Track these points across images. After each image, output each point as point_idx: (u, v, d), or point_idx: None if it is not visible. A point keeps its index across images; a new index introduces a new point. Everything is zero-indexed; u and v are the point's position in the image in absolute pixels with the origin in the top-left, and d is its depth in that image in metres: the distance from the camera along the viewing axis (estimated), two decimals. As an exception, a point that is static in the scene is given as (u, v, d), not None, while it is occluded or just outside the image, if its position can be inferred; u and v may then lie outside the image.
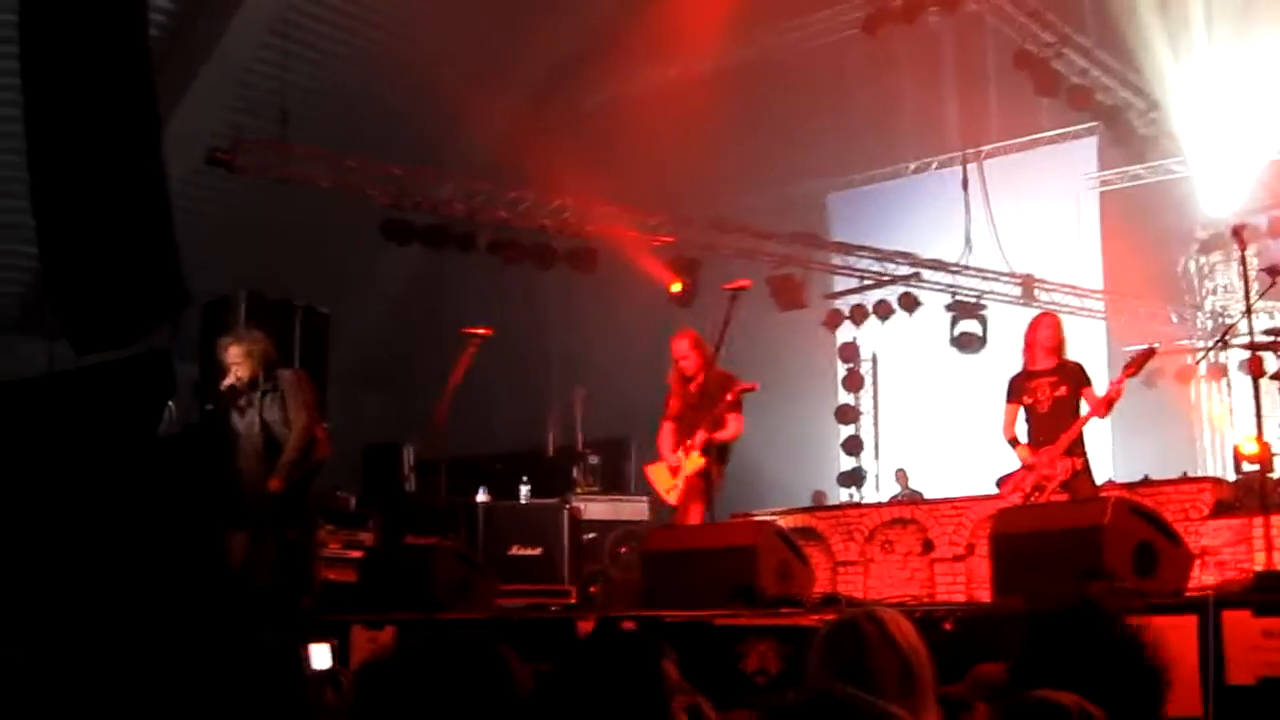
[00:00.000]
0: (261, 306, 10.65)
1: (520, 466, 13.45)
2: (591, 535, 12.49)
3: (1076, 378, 8.50)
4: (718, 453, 9.01)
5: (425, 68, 15.06)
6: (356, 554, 10.61)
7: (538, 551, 11.89)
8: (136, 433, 6.41)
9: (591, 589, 11.83)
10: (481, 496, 12.63)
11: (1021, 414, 8.62)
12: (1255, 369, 8.25)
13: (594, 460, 13.61)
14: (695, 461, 8.90)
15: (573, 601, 11.31)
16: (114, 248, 6.45)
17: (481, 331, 9.61)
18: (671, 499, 9.12)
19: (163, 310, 6.50)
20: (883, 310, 16.46)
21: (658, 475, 9.30)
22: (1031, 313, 15.95)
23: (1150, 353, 8.72)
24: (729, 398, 8.97)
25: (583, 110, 17.73)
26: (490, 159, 15.95)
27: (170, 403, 7.29)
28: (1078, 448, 8.32)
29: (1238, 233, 8.45)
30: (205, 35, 15.55)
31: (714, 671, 6.65)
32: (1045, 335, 8.70)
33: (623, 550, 12.40)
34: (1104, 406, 8.33)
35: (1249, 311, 7.87)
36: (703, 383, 9.13)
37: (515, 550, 11.84)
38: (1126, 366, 8.45)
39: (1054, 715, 2.75)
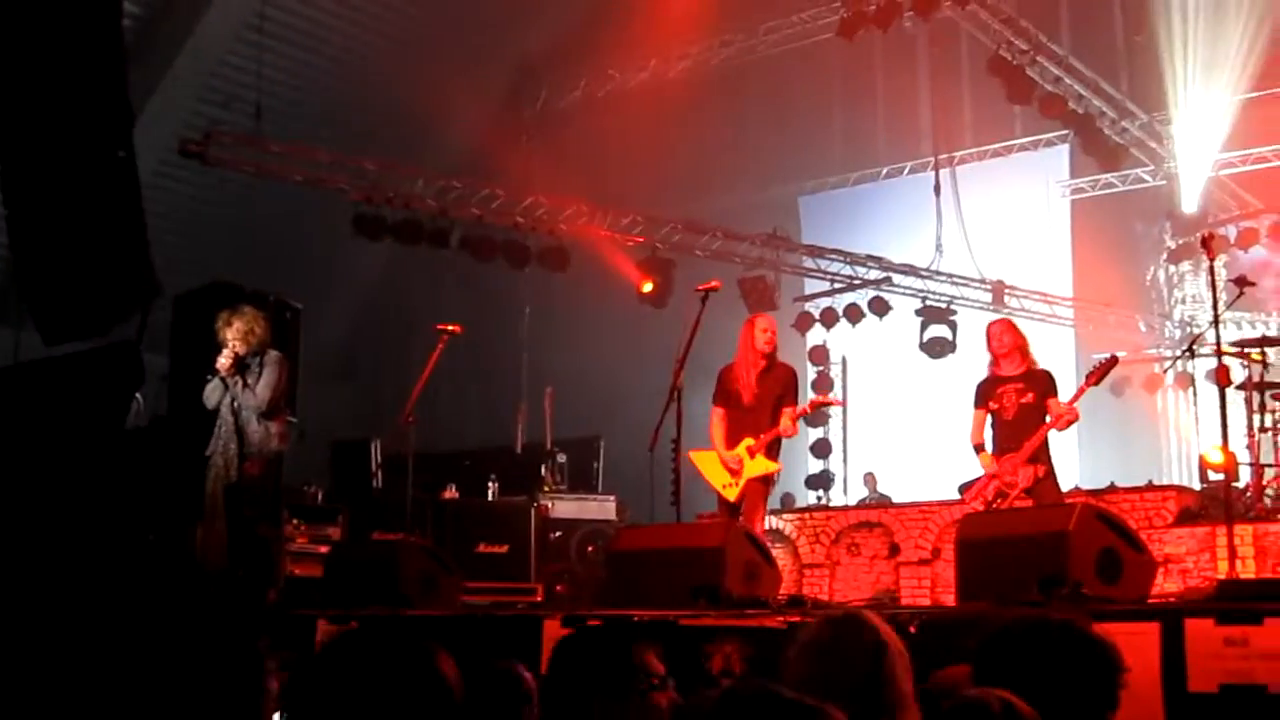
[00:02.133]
0: (233, 299, 10.61)
1: (488, 464, 13.45)
2: (558, 534, 12.50)
3: (1043, 385, 8.54)
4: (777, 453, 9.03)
5: (400, 64, 15.06)
6: (323, 549, 10.59)
7: (505, 549, 11.87)
8: (103, 425, 6.38)
9: (558, 587, 11.84)
10: (449, 493, 12.62)
11: (989, 420, 8.66)
12: (1222, 379, 8.32)
13: (562, 459, 13.60)
14: (767, 466, 8.85)
15: (539, 600, 11.32)
16: (84, 238, 6.43)
17: (451, 328, 9.61)
18: (730, 496, 8.95)
19: (133, 302, 6.47)
20: (853, 314, 16.49)
21: (708, 465, 9.06)
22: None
23: (1113, 362, 8.76)
24: (808, 409, 9.21)
25: (557, 109, 17.73)
26: (464, 156, 15.96)
27: (138, 395, 7.27)
28: (1042, 455, 8.35)
29: (1206, 242, 8.51)
30: (179, 27, 15.50)
31: (679, 672, 6.66)
32: (998, 341, 8.74)
33: (590, 549, 12.42)
34: (1061, 424, 8.37)
35: (1216, 321, 7.92)
36: (765, 372, 9.03)
37: (482, 548, 11.83)
38: (1089, 375, 8.51)
39: (978, 715, 2.77)
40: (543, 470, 13.37)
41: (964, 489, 8.59)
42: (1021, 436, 8.35)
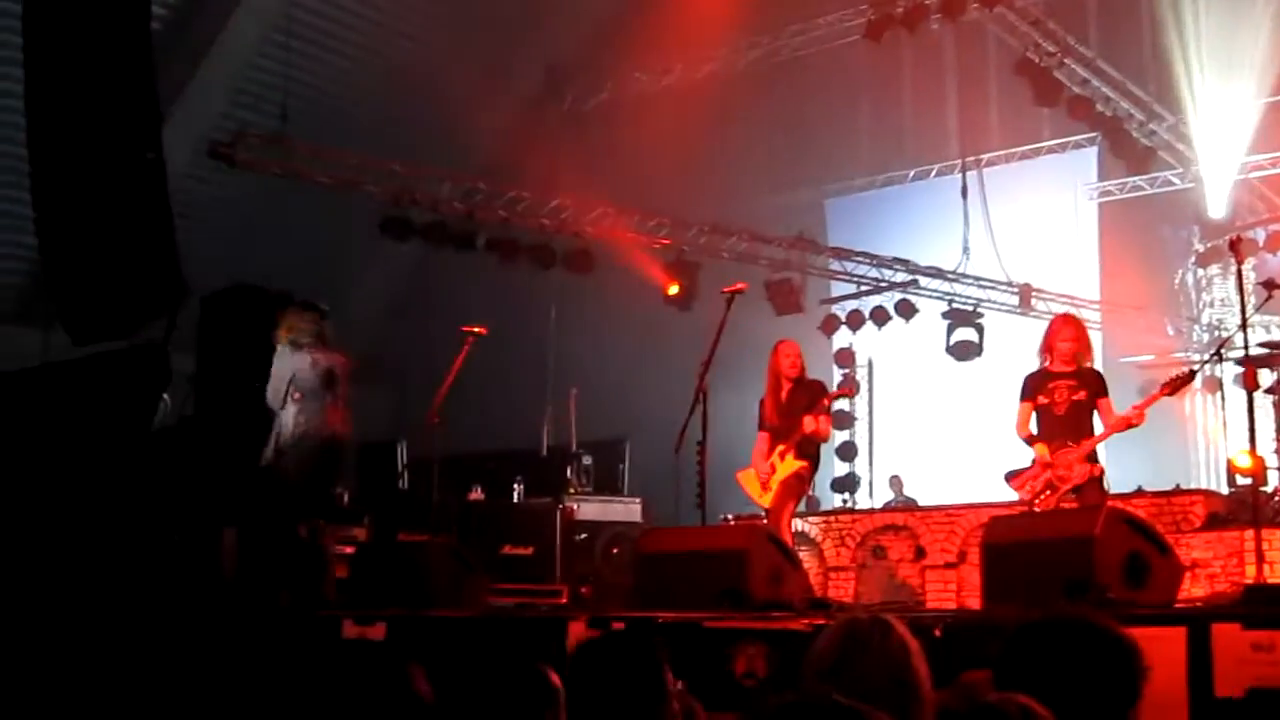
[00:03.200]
0: (260, 301, 10.63)
1: (514, 466, 13.45)
2: (583, 535, 12.49)
3: (1095, 385, 8.51)
4: (811, 452, 9.41)
5: (427, 66, 15.09)
6: (349, 550, 10.61)
7: (529, 551, 11.89)
8: (130, 425, 6.43)
9: (583, 589, 11.84)
10: (475, 495, 12.64)
11: (1035, 415, 8.62)
12: (1250, 383, 8.27)
13: (587, 461, 13.59)
14: (791, 465, 9.22)
15: (564, 602, 11.32)
16: (113, 240, 6.47)
17: (477, 330, 9.64)
18: (766, 504, 9.37)
19: (160, 303, 6.51)
20: (879, 316, 16.45)
21: (750, 483, 9.53)
22: (1028, 322, 16.07)
23: (1190, 376, 8.71)
24: (825, 401, 9.41)
25: (583, 111, 17.74)
26: (490, 158, 15.98)
27: (165, 396, 7.29)
28: (1095, 455, 8.35)
29: (1235, 246, 8.46)
30: (207, 30, 15.57)
31: (703, 674, 6.66)
32: (1068, 338, 8.72)
33: (614, 551, 12.40)
34: (1124, 425, 8.34)
35: (1244, 325, 7.88)
36: (792, 390, 9.48)
37: (507, 549, 11.85)
38: (1164, 385, 8.47)
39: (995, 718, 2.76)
40: (568, 472, 13.36)
41: (1011, 477, 8.56)
42: (1070, 433, 8.33)
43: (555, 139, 16.14)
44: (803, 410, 9.28)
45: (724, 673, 6.75)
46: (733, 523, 11.68)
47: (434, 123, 15.49)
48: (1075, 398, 8.42)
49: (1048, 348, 8.77)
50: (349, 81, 16.13)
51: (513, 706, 3.32)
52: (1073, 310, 16.41)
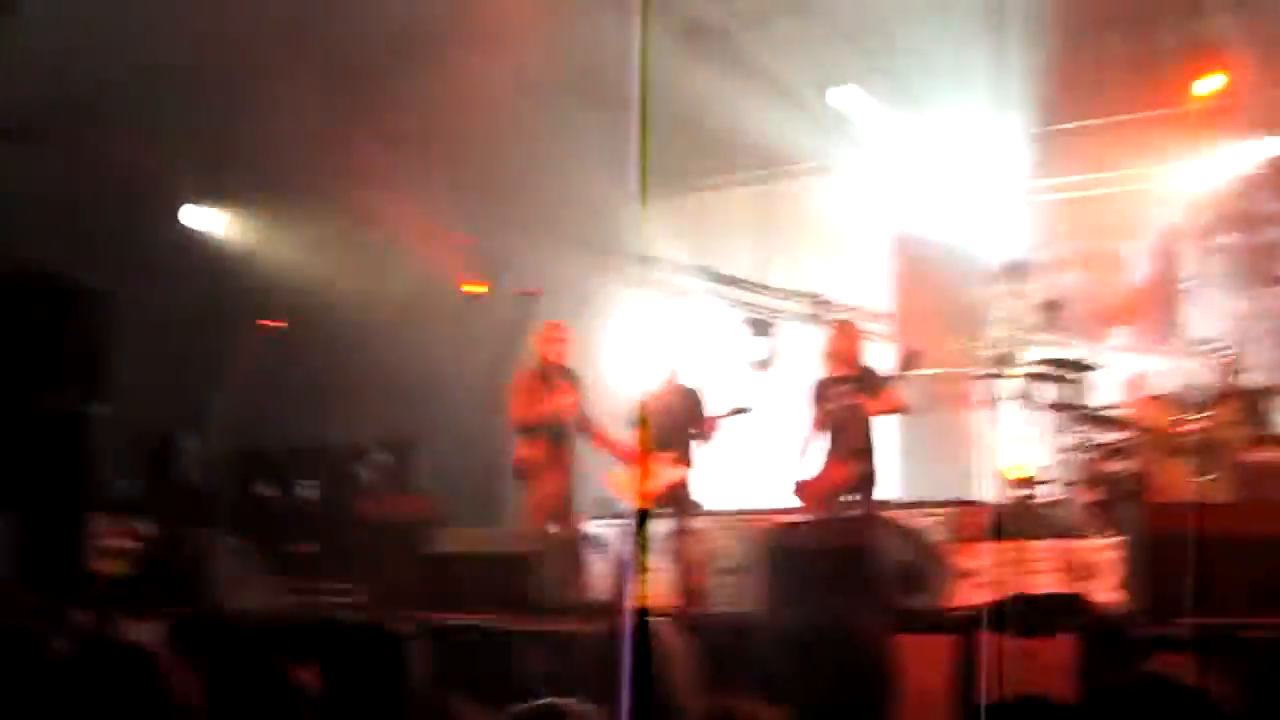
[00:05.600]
0: (39, 284, 10.33)
1: (308, 462, 13.28)
2: (376, 534, 12.39)
3: (872, 386, 8.79)
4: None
5: (233, 44, 14.73)
6: (131, 545, 10.36)
7: (321, 549, 11.76)
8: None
9: (372, 589, 11.75)
10: (267, 491, 12.45)
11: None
12: (1024, 401, 8.61)
13: (383, 458, 13.49)
14: (676, 473, 9.32)
15: (353, 601, 11.22)
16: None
17: (275, 324, 9.54)
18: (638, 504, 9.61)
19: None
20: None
21: (618, 484, 10.09)
22: (821, 332, 16.40)
23: (917, 354, 9.09)
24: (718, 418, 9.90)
25: (391, 100, 17.51)
26: (297, 146, 15.68)
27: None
28: (866, 457, 8.61)
29: (1016, 269, 8.83)
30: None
31: (490, 676, 6.70)
32: (844, 344, 9.01)
33: (408, 551, 12.33)
34: (877, 410, 8.62)
35: (1021, 345, 8.22)
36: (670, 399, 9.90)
37: (299, 547, 11.70)
38: (899, 365, 8.84)
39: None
40: (362, 470, 13.24)
41: (798, 488, 8.78)
42: (851, 436, 8.59)
43: (361, 128, 15.92)
44: (683, 417, 9.49)
45: (510, 675, 6.79)
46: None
47: (242, 108, 15.13)
48: (851, 402, 8.69)
49: (827, 354, 9.06)
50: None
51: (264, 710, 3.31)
52: (864, 321, 16.88)
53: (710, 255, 16.73)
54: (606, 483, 10.23)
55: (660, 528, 9.59)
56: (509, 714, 2.85)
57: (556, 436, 9.07)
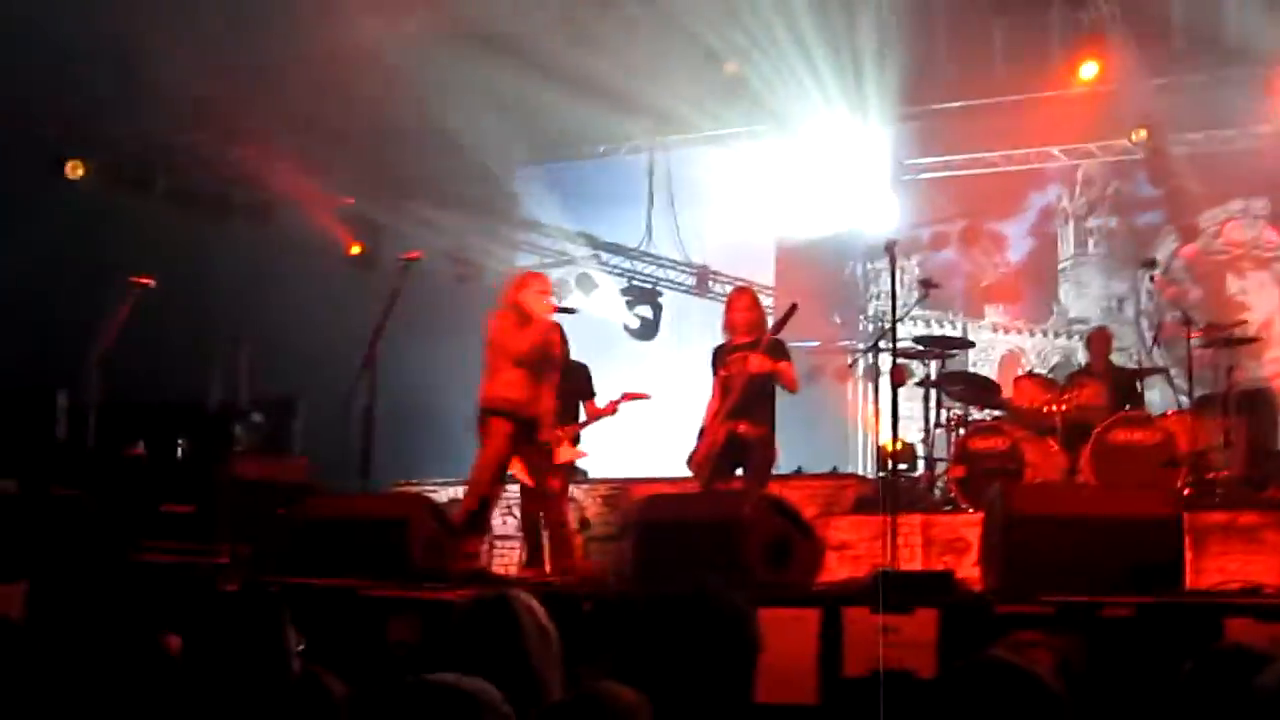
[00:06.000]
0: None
1: (180, 420, 13.05)
2: (248, 495, 12.22)
3: (775, 353, 8.89)
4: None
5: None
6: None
7: (192, 509, 11.57)
8: None
9: (243, 550, 11.60)
10: (136, 449, 12.21)
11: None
12: (895, 377, 8.73)
13: (257, 418, 13.30)
14: (570, 452, 9.45)
15: (224, 562, 11.07)
16: None
17: (145, 281, 9.36)
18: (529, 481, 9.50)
19: None
20: (560, 289, 16.58)
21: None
22: (704, 303, 16.51)
23: (793, 308, 9.23)
24: (620, 399, 9.97)
25: (275, 58, 17.22)
26: (173, 101, 15.36)
27: None
28: (753, 421, 8.70)
29: (889, 248, 8.95)
30: None
31: (359, 642, 6.66)
32: (743, 309, 9.14)
33: (279, 512, 12.19)
34: (754, 366, 8.74)
35: (895, 321, 8.33)
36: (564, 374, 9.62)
37: (168, 506, 11.50)
38: (776, 324, 8.96)
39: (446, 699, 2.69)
40: (235, 429, 13.04)
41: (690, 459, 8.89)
42: (740, 402, 8.71)
43: (244, 84, 15.64)
44: (573, 397, 9.54)
45: (379, 641, 6.76)
46: (400, 490, 11.68)
47: (114, 58, 14.79)
48: (750, 368, 8.79)
49: (727, 323, 9.16)
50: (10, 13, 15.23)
51: (128, 675, 3.26)
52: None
53: (596, 223, 16.74)
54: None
55: (536, 496, 9.56)
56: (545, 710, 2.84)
57: (539, 373, 8.89)
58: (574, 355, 10.30)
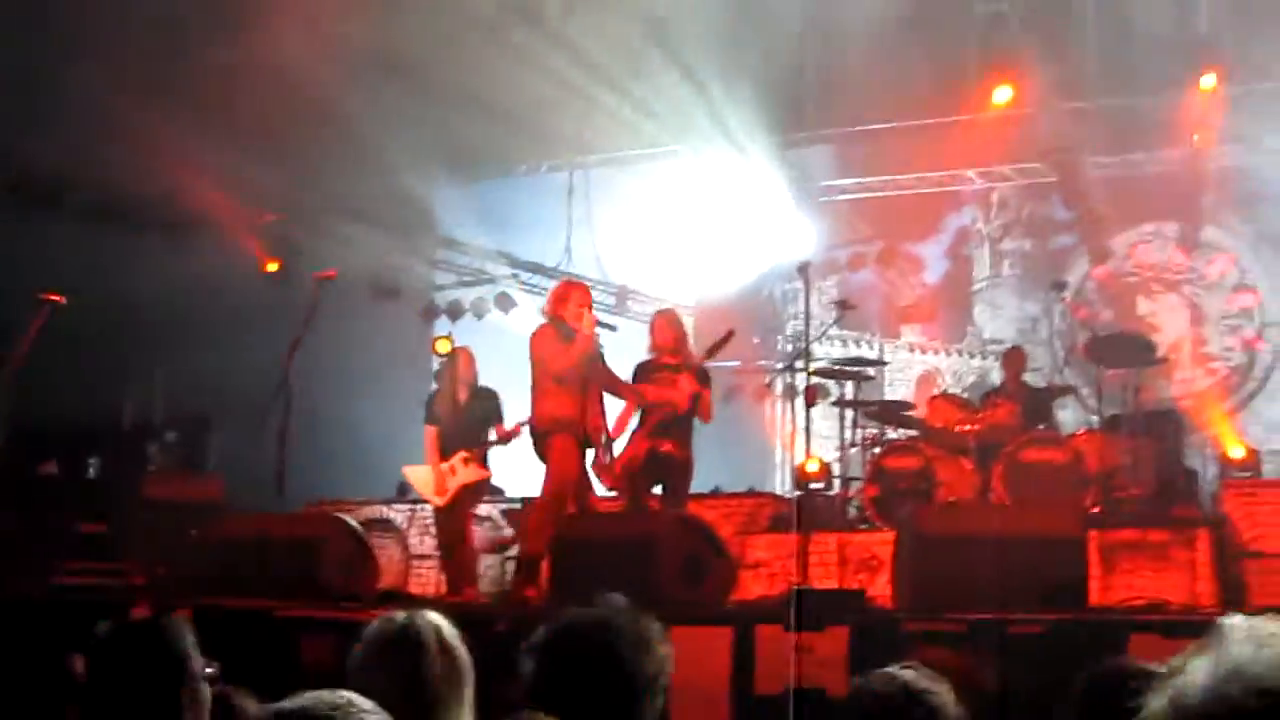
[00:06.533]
0: None
1: (93, 439, 12.91)
2: (162, 514, 12.10)
3: (700, 378, 8.98)
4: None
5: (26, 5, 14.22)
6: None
7: (104, 528, 11.44)
8: None
9: (158, 570, 11.49)
10: (48, 467, 12.07)
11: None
12: (809, 397, 8.82)
13: (171, 437, 13.19)
14: (475, 473, 9.63)
15: (138, 582, 10.96)
16: None
17: (55, 298, 9.26)
18: (438, 502, 9.80)
19: None
20: (479, 308, 16.60)
21: (419, 479, 10.10)
22: (625, 322, 16.52)
23: (729, 335, 9.33)
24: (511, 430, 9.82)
25: (196, 71, 17.07)
26: (88, 113, 15.19)
27: None
28: (673, 441, 8.77)
29: (803, 269, 9.05)
30: None
31: (274, 663, 6.61)
32: (667, 330, 9.23)
33: (193, 532, 12.09)
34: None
35: (808, 343, 8.43)
36: (470, 396, 10.09)
37: (82, 526, 11.37)
38: (709, 350, 9.04)
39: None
40: (149, 447, 12.93)
41: (602, 470, 8.92)
42: (660, 422, 8.76)
43: (162, 97, 15.50)
44: (482, 420, 9.64)
45: (296, 662, 6.72)
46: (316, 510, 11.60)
47: (27, 70, 14.62)
48: (668, 387, 8.87)
49: (653, 344, 9.25)
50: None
51: (34, 699, 3.24)
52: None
53: (514, 242, 16.74)
54: (406, 475, 10.25)
55: (452, 517, 9.60)
56: None
57: (584, 387, 8.75)
58: (494, 371, 10.39)
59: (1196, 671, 1.29)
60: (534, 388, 8.84)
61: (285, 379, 8.61)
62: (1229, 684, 1.26)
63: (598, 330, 9.01)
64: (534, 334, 8.99)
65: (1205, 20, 13.80)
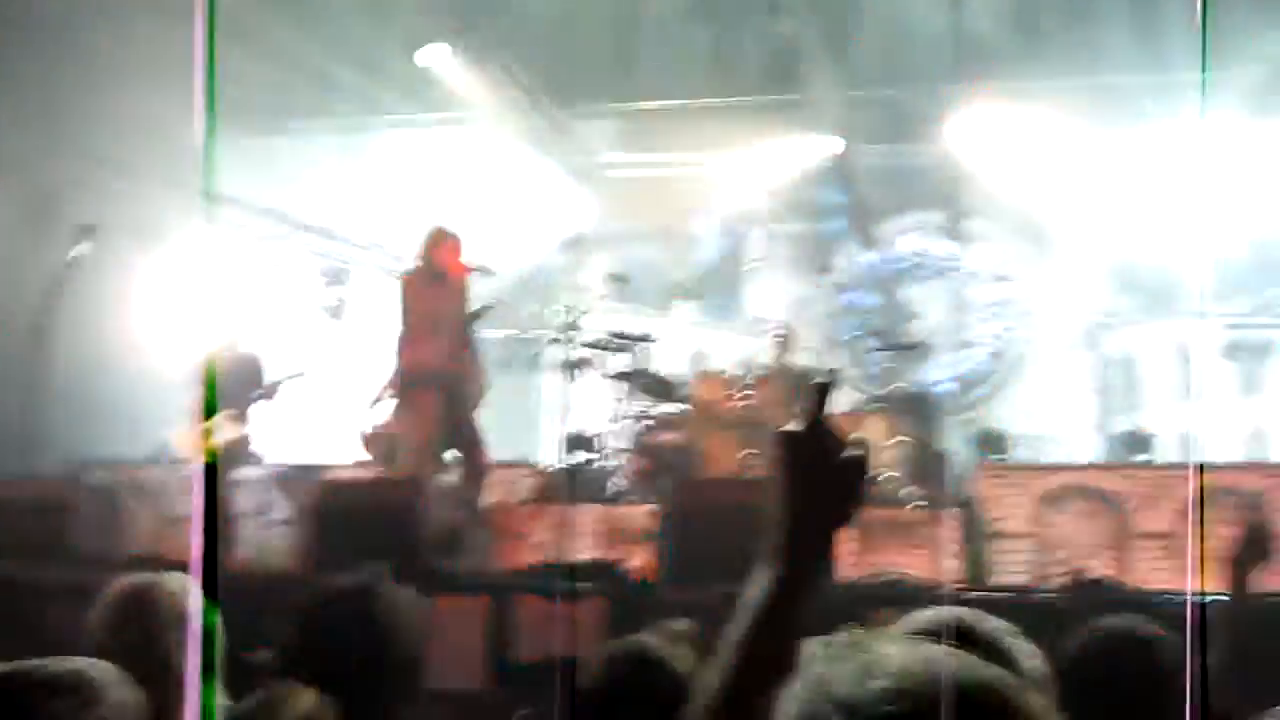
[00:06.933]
0: None
1: None
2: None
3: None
4: None
5: None
6: None
7: None
8: None
9: None
10: None
11: None
12: (579, 368, 8.91)
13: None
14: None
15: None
16: None
17: None
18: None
19: None
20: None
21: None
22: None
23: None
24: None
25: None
26: None
27: None
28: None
29: (577, 242, 9.12)
30: None
31: (19, 630, 6.42)
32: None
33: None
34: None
35: (579, 314, 8.49)
36: None
37: None
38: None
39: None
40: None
41: (367, 439, 8.87)
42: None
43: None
44: (245, 380, 9.59)
45: (40, 629, 6.54)
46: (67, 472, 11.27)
47: None
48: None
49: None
50: None
51: None
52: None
53: (288, 200, 16.41)
54: (170, 436, 10.00)
55: (213, 480, 9.42)
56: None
57: (459, 335, 8.41)
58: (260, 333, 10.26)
59: (790, 697, 1.41)
60: (402, 334, 8.63)
61: (41, 335, 8.32)
62: (814, 700, 1.37)
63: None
64: (403, 277, 8.83)
65: (985, 22, 14.21)
